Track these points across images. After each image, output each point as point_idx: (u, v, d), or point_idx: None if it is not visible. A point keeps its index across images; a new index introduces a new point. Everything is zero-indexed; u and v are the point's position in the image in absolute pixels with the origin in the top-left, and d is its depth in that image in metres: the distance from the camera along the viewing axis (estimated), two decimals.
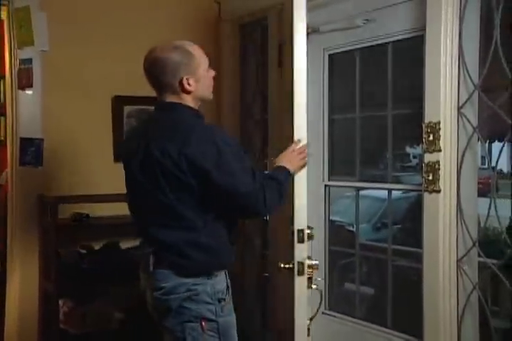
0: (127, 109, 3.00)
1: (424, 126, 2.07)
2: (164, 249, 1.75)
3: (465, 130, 2.08)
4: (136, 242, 2.82)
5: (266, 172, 1.88)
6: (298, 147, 1.85)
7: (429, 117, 2.07)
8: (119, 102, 2.96)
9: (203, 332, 1.70)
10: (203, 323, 1.70)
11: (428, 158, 2.08)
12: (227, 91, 3.04)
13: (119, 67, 2.93)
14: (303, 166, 1.85)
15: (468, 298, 2.04)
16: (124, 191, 2.87)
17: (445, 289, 2.03)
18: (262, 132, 2.90)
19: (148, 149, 1.71)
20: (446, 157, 2.06)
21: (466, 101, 2.04)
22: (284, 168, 1.81)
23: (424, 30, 2.10)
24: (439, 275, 2.03)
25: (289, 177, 1.81)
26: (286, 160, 1.83)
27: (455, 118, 2.06)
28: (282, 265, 1.84)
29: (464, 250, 2.07)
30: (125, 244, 2.85)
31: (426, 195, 2.09)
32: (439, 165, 2.05)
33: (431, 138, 2.06)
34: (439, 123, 2.04)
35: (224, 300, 1.74)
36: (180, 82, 1.72)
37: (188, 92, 1.74)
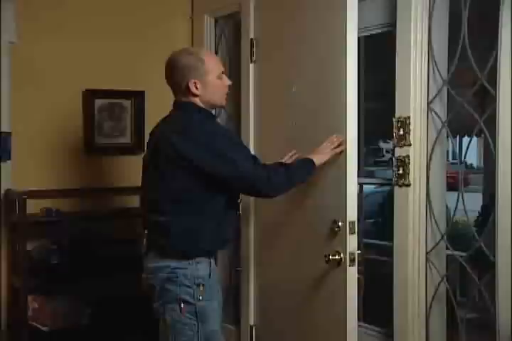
0: (98, 102, 2.95)
1: (394, 120, 2.10)
2: (155, 231, 1.90)
3: (434, 125, 2.12)
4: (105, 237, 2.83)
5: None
6: (330, 141, 1.94)
7: (399, 112, 2.09)
8: (89, 96, 2.91)
9: (181, 314, 1.81)
10: (182, 305, 1.81)
11: (398, 152, 2.11)
12: None
13: (90, 60, 2.89)
14: (339, 154, 1.93)
15: (436, 290, 2.08)
16: (94, 186, 2.88)
17: (414, 281, 2.07)
18: (235, 126, 2.89)
19: (157, 143, 1.88)
20: (416, 151, 2.09)
21: (435, 97, 2.08)
22: (305, 158, 1.94)
23: (395, 25, 2.12)
24: (409, 268, 2.07)
25: (309, 164, 1.91)
26: (315, 152, 1.95)
27: (425, 113, 2.09)
28: (331, 256, 1.89)
29: (432, 243, 2.11)
30: (95, 240, 2.83)
31: (396, 188, 2.12)
32: (409, 159, 2.08)
33: (401, 132, 2.09)
34: (409, 117, 2.06)
35: (203, 285, 1.83)
36: (187, 85, 1.85)
37: (195, 95, 1.87)
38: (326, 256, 1.90)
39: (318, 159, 1.92)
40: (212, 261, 1.90)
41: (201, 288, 1.82)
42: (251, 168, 1.81)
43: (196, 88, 1.86)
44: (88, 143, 2.93)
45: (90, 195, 2.88)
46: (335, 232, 1.93)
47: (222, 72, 1.91)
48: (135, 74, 3.03)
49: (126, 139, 3.03)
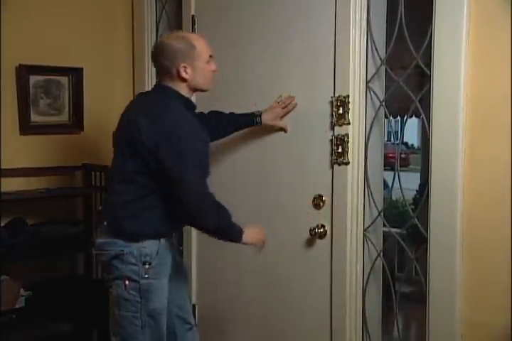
0: (34, 78, 2.83)
1: (334, 99, 2.11)
2: (107, 209, 1.97)
3: (373, 104, 2.15)
4: (43, 218, 2.76)
5: None
6: (262, 231, 2.04)
7: (338, 91, 2.11)
8: (24, 71, 2.78)
9: (125, 290, 1.88)
10: (126, 282, 1.88)
11: (338, 130, 2.13)
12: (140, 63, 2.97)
13: (24, 35, 2.76)
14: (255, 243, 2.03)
15: (372, 265, 2.15)
16: (30, 165, 2.78)
17: (352, 256, 2.12)
18: None
19: (128, 121, 1.90)
20: (354, 130, 2.11)
21: (373, 76, 2.10)
22: (241, 231, 1.92)
23: None
24: (347, 244, 2.11)
25: (238, 233, 1.92)
26: (248, 232, 1.95)
27: (363, 92, 2.11)
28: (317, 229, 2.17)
29: (370, 220, 2.16)
30: (32, 220, 2.74)
31: (335, 166, 2.15)
32: (348, 137, 2.10)
33: (340, 111, 2.10)
34: (348, 96, 2.08)
35: (150, 263, 1.88)
36: (178, 69, 1.87)
37: (184, 80, 1.89)
38: (311, 229, 2.13)
39: (246, 238, 1.95)
40: (163, 240, 1.93)
41: (147, 266, 1.88)
42: (194, 178, 1.81)
43: (186, 72, 1.88)
44: (23, 122, 2.81)
45: (26, 174, 2.78)
46: (320, 206, 2.14)
47: (211, 56, 1.94)
48: (72, 50, 2.93)
49: (63, 118, 2.93)
